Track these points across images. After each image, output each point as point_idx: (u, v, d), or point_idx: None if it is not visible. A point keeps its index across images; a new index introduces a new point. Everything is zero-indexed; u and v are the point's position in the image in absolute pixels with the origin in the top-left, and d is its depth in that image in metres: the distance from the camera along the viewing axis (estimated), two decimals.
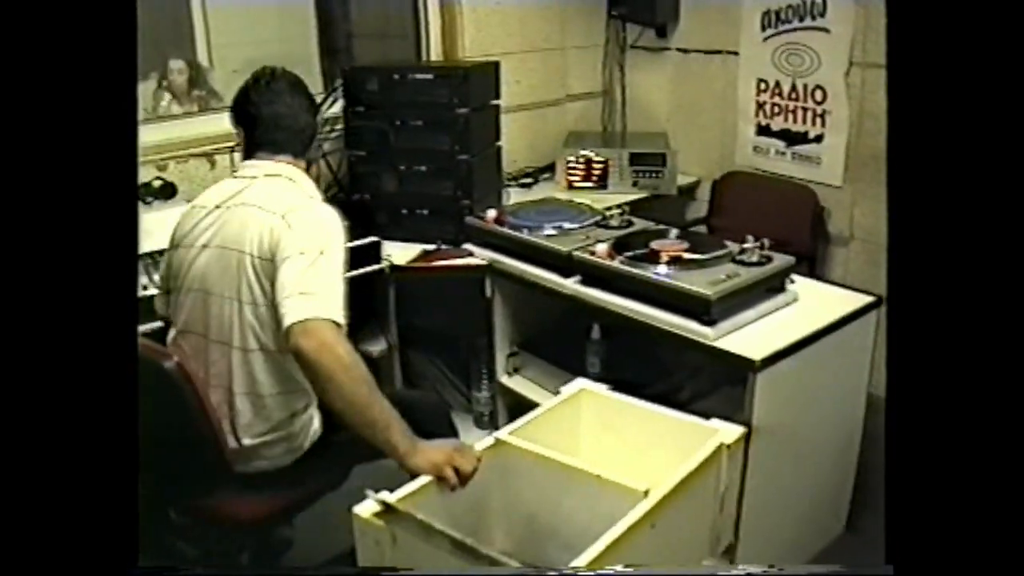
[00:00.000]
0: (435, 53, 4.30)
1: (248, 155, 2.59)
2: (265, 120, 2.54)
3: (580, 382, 2.34)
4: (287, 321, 2.15)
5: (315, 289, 2.20)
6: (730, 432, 2.10)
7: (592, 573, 1.60)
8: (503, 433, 2.10)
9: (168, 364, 2.26)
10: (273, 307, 2.28)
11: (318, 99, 3.82)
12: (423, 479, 1.99)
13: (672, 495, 1.84)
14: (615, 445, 2.19)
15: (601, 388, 2.31)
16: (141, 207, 3.31)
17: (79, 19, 1.11)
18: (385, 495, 1.81)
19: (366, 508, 1.80)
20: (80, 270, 1.12)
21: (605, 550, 1.62)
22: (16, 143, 1.09)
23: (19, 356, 1.09)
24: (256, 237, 2.35)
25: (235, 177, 2.57)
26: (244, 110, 2.57)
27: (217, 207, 2.49)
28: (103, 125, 1.14)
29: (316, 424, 2.55)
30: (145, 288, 2.82)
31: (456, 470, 2.06)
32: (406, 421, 2.15)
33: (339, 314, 2.19)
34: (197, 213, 2.53)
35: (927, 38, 1.10)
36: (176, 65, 3.72)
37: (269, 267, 2.31)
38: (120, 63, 1.15)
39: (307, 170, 2.64)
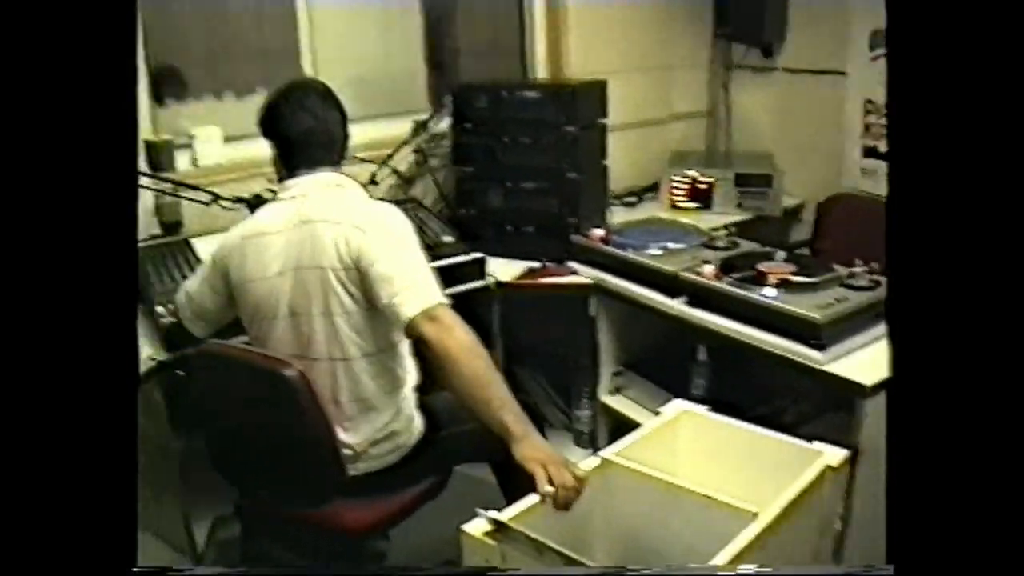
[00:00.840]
0: (541, 70, 4.32)
1: (288, 173, 2.55)
2: (300, 137, 2.51)
3: (679, 403, 2.33)
4: (405, 316, 2.23)
5: (415, 279, 2.28)
6: (834, 455, 2.08)
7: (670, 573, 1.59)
8: (609, 452, 2.10)
9: (290, 373, 2.28)
10: (369, 311, 2.36)
11: (424, 116, 3.90)
12: (530, 499, 1.96)
13: (780, 517, 1.83)
14: (715, 467, 2.17)
15: (701, 409, 2.30)
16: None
17: (79, 19, 1.12)
18: (495, 513, 1.81)
19: (476, 527, 1.80)
20: (81, 271, 1.13)
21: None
22: (15, 143, 1.10)
23: (20, 358, 1.10)
24: (333, 250, 2.36)
25: (282, 200, 2.52)
26: (275, 128, 2.55)
27: (271, 233, 2.47)
28: (102, 129, 1.14)
29: (418, 421, 2.60)
30: None
31: (555, 484, 1.97)
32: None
33: (443, 295, 2.28)
34: (254, 245, 2.49)
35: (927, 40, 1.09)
36: None
37: (355, 275, 2.35)
38: (120, 64, 1.15)
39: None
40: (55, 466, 1.12)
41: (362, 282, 2.34)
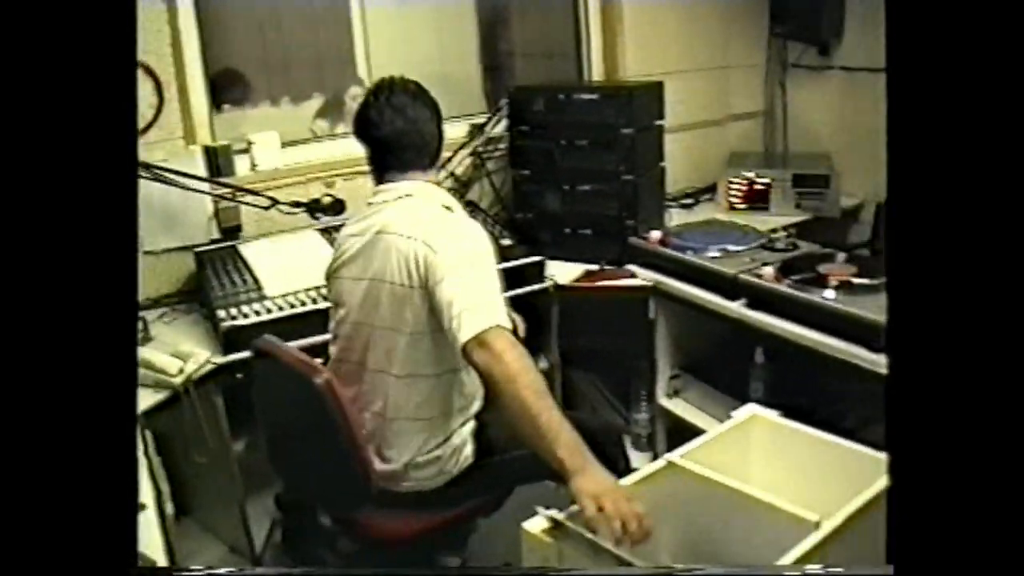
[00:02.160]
0: (596, 72, 4.32)
1: (379, 176, 2.52)
2: (390, 139, 2.45)
3: (750, 408, 2.32)
4: (460, 340, 2.12)
5: (475, 301, 2.16)
6: None
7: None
8: (675, 455, 2.08)
9: (318, 380, 2.29)
10: (433, 333, 2.30)
11: (482, 119, 3.91)
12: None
13: (844, 527, 1.81)
14: (785, 474, 2.15)
15: (772, 414, 2.29)
16: (310, 221, 3.41)
17: (79, 18, 1.13)
18: (555, 512, 1.81)
19: (535, 524, 1.80)
20: (81, 269, 1.13)
21: None
22: (13, 144, 1.11)
23: (19, 357, 1.10)
24: (403, 266, 2.32)
25: (370, 204, 2.51)
26: (366, 130, 2.49)
27: (357, 236, 2.48)
28: (100, 132, 1.15)
29: (468, 450, 2.51)
30: None
31: (610, 515, 1.79)
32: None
33: (503, 318, 2.15)
34: (344, 243, 2.53)
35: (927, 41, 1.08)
36: (354, 92, 3.82)
37: (422, 294, 2.29)
38: (119, 66, 1.16)
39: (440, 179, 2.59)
40: (54, 466, 1.12)
41: (430, 302, 2.27)
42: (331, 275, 2.56)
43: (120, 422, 1.16)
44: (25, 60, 1.11)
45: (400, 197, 2.45)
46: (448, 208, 2.48)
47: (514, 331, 2.71)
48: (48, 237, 1.12)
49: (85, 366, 1.13)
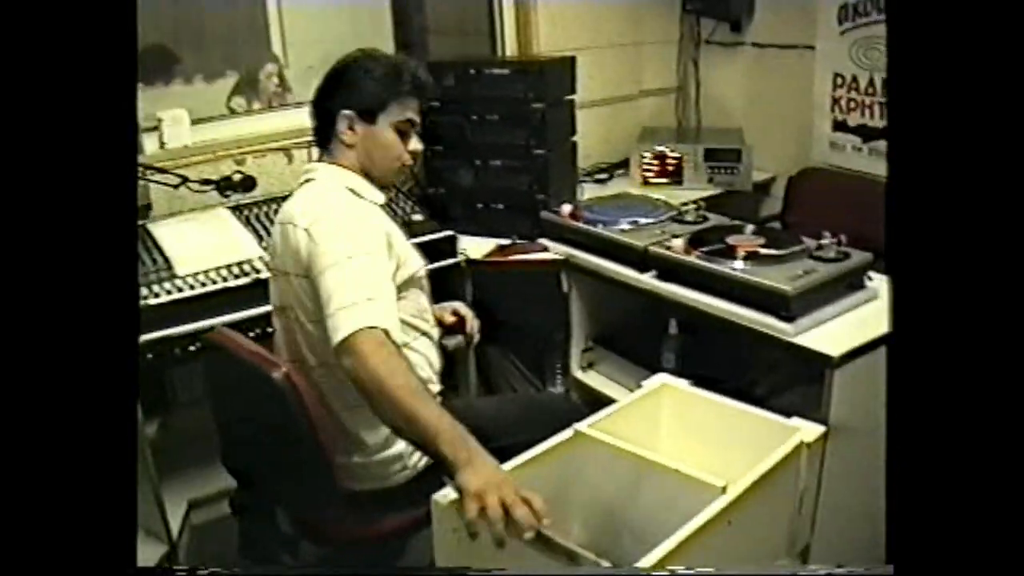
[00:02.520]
0: (510, 49, 4.31)
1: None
2: (315, 114, 2.48)
3: (661, 377, 2.34)
4: (332, 343, 2.05)
5: (348, 300, 2.06)
6: (811, 431, 2.09)
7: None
8: (582, 425, 2.09)
9: (276, 374, 2.20)
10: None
11: None
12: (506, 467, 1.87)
13: (750, 492, 1.83)
14: (695, 441, 2.18)
15: (682, 383, 2.31)
16: (220, 199, 3.37)
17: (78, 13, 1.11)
18: None
19: (445, 496, 1.80)
20: (80, 266, 1.10)
21: (680, 545, 1.62)
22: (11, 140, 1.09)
23: (18, 355, 1.07)
24: (292, 256, 2.28)
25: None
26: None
27: (275, 226, 2.46)
28: (101, 121, 1.13)
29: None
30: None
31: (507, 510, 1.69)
32: (537, 423, 2.12)
33: (377, 317, 2.04)
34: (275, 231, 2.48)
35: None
36: (269, 69, 3.79)
37: (309, 285, 2.24)
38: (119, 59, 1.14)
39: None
40: (53, 465, 1.10)
41: (316, 294, 2.20)
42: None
43: (119, 421, 1.14)
44: (23, 50, 1.08)
45: (305, 181, 2.44)
46: (353, 191, 2.40)
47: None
48: (44, 231, 1.10)
49: (84, 365, 1.11)
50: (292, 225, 2.30)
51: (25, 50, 1.07)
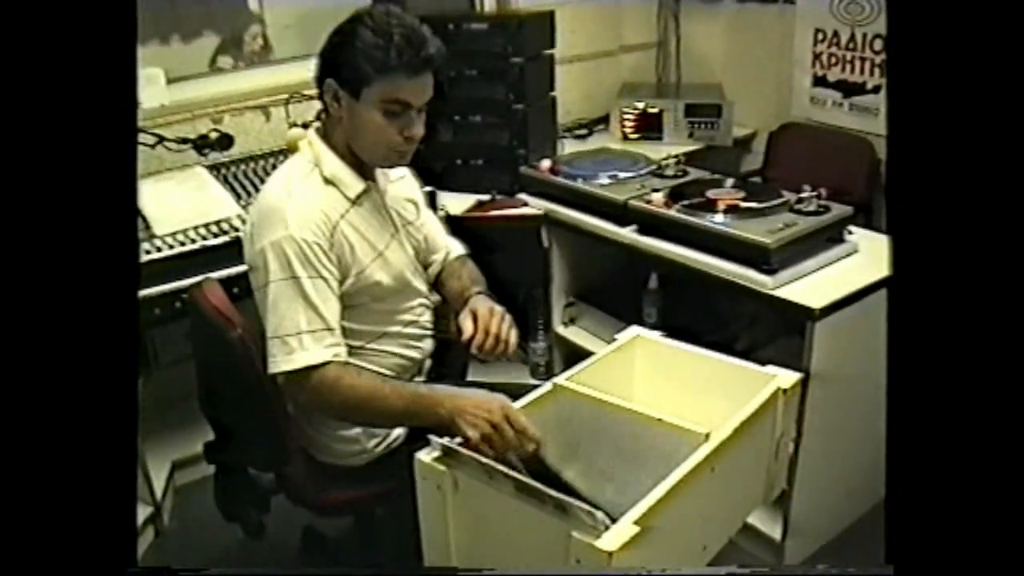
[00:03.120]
0: (488, 3, 4.28)
1: None
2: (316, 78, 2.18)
3: (634, 329, 2.33)
4: (271, 370, 2.03)
5: (282, 331, 2.02)
6: (787, 378, 2.09)
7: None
8: (561, 379, 2.09)
9: (231, 334, 2.12)
10: None
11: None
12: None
13: (731, 439, 1.83)
14: (670, 392, 2.18)
15: (655, 335, 2.30)
16: (197, 158, 3.36)
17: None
18: (447, 440, 1.81)
19: (427, 453, 1.80)
20: (79, 263, 1.10)
21: (667, 494, 1.62)
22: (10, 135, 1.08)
23: (18, 354, 1.08)
24: (246, 241, 2.16)
25: None
26: None
27: None
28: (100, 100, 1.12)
29: (396, 431, 2.33)
30: None
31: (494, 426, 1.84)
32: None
33: (314, 355, 2.01)
34: None
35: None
36: (254, 31, 3.76)
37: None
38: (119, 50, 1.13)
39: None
40: (53, 465, 1.10)
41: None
42: None
43: (120, 419, 1.14)
44: (21, 38, 1.07)
45: (288, 154, 2.27)
46: (328, 180, 2.17)
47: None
48: (43, 223, 1.09)
49: (84, 364, 1.10)
50: (251, 209, 2.19)
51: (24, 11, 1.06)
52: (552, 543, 1.56)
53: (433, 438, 1.80)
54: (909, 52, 1.08)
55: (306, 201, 2.09)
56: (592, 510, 1.50)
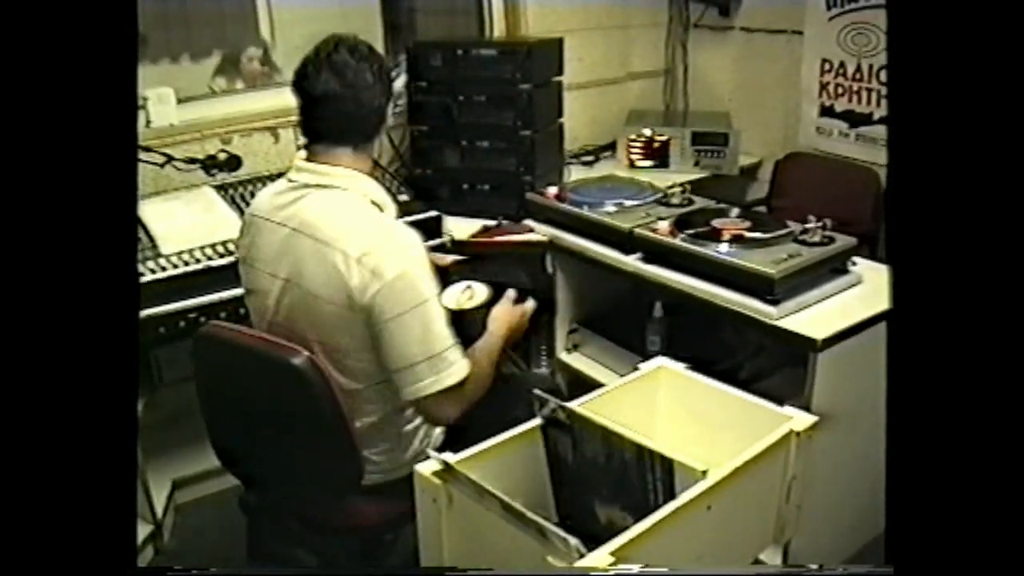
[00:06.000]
0: (498, 29, 4.29)
1: (308, 146, 2.22)
2: (320, 101, 2.14)
3: (660, 360, 2.32)
4: (405, 397, 2.17)
5: (425, 352, 2.11)
6: (802, 420, 2.08)
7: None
8: (574, 405, 2.08)
9: (297, 361, 2.09)
10: (375, 352, 2.17)
11: None
12: (484, 444, 1.92)
13: (733, 478, 1.83)
14: (691, 425, 2.17)
15: (680, 367, 2.30)
16: (205, 178, 3.36)
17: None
18: (447, 455, 1.81)
19: (427, 467, 1.82)
20: (80, 264, 1.10)
21: (653, 528, 1.62)
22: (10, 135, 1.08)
23: (18, 354, 1.07)
24: (323, 279, 2.11)
25: (291, 181, 2.24)
26: (299, 85, 2.17)
27: (271, 222, 2.23)
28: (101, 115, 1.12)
29: (433, 439, 2.41)
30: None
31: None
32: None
33: (456, 372, 2.17)
34: (254, 223, 2.30)
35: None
36: (251, 52, 3.78)
37: (362, 321, 2.11)
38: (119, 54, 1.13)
39: (373, 166, 2.30)
40: (52, 465, 1.10)
41: (371, 332, 2.12)
42: (243, 260, 2.35)
43: (119, 421, 1.14)
44: (22, 40, 1.07)
45: (325, 187, 2.18)
46: (377, 205, 2.23)
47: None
48: (43, 226, 1.09)
49: (83, 364, 1.10)
50: (325, 244, 2.11)
51: (27, 25, 1.07)
52: (534, 565, 1.59)
53: (432, 453, 1.81)
54: (909, 82, 1.08)
55: (394, 224, 2.24)
56: (567, 537, 1.51)
